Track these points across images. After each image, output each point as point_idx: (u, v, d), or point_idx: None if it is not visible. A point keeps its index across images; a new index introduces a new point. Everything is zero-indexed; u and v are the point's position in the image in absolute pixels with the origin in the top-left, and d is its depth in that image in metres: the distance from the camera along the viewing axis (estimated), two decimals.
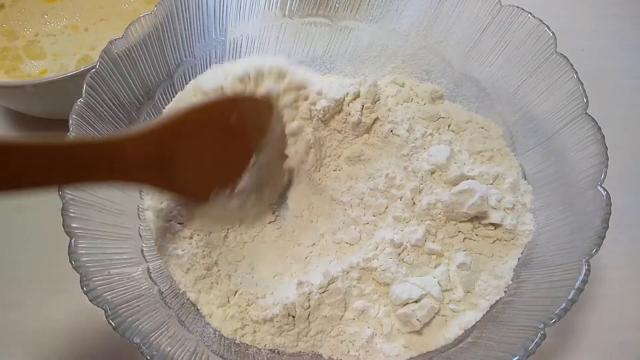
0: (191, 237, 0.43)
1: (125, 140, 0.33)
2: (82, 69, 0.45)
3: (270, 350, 0.41)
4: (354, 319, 0.41)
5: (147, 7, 0.58)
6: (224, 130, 0.40)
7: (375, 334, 0.41)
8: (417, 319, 0.40)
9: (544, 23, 0.45)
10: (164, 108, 0.47)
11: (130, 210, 0.43)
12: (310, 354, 0.41)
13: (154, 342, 0.36)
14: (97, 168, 0.32)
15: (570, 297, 0.35)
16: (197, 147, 0.38)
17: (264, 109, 0.43)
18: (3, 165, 0.27)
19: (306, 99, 0.46)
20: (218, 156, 0.40)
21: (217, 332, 0.41)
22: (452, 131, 0.49)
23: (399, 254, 0.42)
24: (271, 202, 0.47)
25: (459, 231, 0.43)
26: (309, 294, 0.41)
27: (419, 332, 0.41)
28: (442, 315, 0.41)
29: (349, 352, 0.41)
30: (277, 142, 0.45)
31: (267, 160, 0.43)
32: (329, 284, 0.41)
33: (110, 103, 0.43)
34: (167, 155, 0.36)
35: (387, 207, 0.45)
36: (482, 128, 0.49)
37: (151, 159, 0.35)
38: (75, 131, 0.39)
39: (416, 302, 0.40)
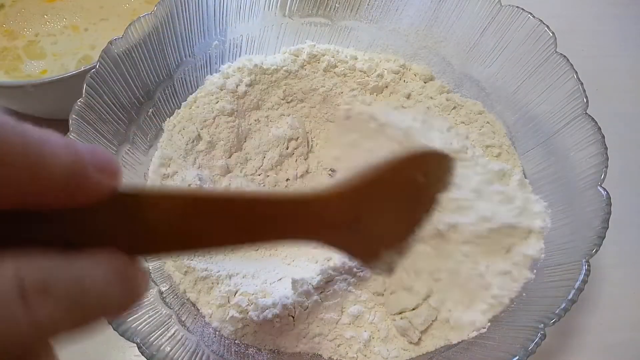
0: None
1: (319, 199, 0.30)
2: (82, 69, 0.45)
3: (270, 350, 0.41)
4: (350, 324, 0.41)
5: (147, 7, 0.58)
6: (409, 189, 0.37)
7: (372, 337, 0.41)
8: (415, 329, 0.39)
9: (544, 23, 0.44)
10: (164, 108, 0.47)
11: None
12: (310, 355, 0.41)
13: (154, 342, 0.36)
14: (288, 226, 0.29)
15: (570, 297, 0.35)
16: (382, 208, 0.35)
17: (445, 164, 0.40)
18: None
19: None
20: (397, 214, 0.37)
21: (217, 332, 0.41)
22: (463, 123, 0.49)
23: None
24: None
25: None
26: (307, 293, 0.41)
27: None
28: (442, 319, 0.41)
29: (347, 354, 0.41)
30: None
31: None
32: (327, 283, 0.41)
33: (110, 103, 0.43)
34: (355, 217, 0.33)
35: None
36: (488, 123, 0.49)
37: (340, 221, 0.32)
38: (75, 131, 0.39)
39: (413, 309, 0.40)
